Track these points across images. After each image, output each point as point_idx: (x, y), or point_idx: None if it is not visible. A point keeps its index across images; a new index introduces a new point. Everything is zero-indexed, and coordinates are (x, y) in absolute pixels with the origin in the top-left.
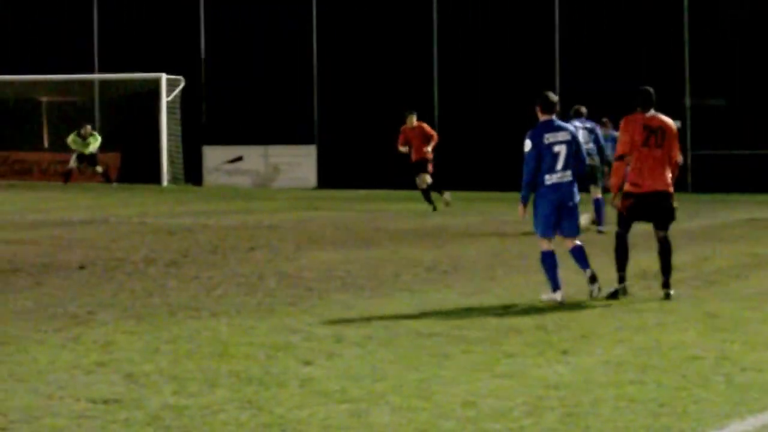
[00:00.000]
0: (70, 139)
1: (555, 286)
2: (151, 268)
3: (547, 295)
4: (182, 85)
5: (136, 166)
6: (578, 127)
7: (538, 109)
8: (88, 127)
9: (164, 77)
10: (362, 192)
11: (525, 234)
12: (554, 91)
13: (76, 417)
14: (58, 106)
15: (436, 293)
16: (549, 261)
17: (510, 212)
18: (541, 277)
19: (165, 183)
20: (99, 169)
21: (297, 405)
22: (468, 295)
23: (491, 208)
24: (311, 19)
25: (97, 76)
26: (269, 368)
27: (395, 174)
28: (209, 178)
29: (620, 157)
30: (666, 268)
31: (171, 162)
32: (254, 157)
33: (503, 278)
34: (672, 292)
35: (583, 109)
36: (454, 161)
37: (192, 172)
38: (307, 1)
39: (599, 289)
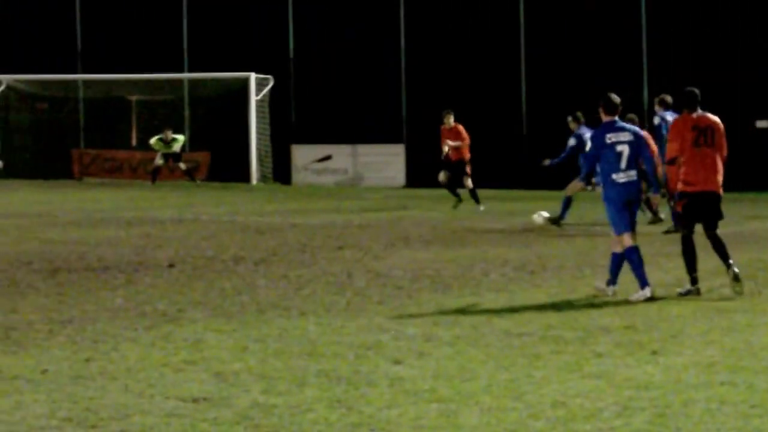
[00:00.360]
0: (153, 141)
1: (643, 283)
2: (241, 267)
3: (637, 294)
4: (271, 84)
5: (225, 164)
6: (670, 122)
7: (601, 110)
8: (169, 132)
9: (253, 76)
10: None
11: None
12: (643, 92)
13: (165, 415)
14: (147, 105)
15: (524, 293)
16: (634, 257)
17: (597, 211)
18: (630, 276)
19: (254, 182)
20: (182, 165)
21: (386, 404)
22: (556, 294)
23: (578, 208)
24: (399, 17)
25: (186, 75)
26: (358, 367)
27: (483, 173)
28: (298, 176)
29: (671, 161)
30: (724, 255)
31: (260, 161)
32: (343, 155)
33: (591, 278)
34: (737, 270)
35: (669, 98)
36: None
37: (281, 170)
38: None
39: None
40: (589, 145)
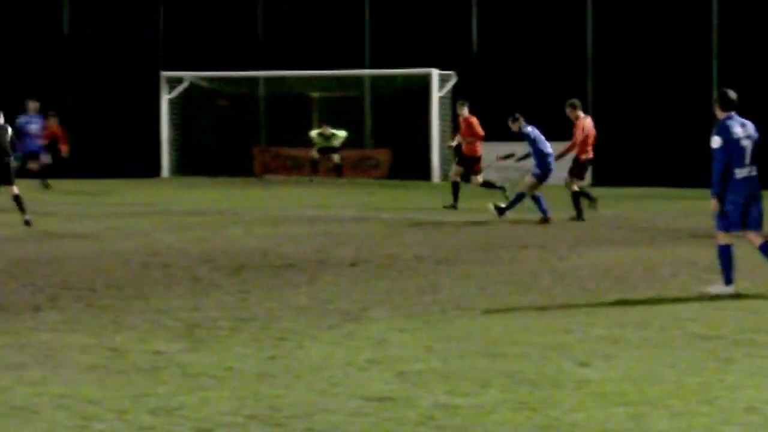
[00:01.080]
0: (314, 134)
1: (728, 280)
2: (422, 266)
3: (717, 288)
4: (454, 80)
5: (406, 162)
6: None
7: (716, 107)
8: (328, 129)
9: (435, 72)
10: (637, 189)
11: None
12: None
13: (349, 414)
14: (328, 102)
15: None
16: (727, 254)
17: None
18: None
19: (436, 180)
20: (335, 157)
21: (573, 407)
22: (749, 296)
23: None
24: (586, 10)
25: (367, 72)
26: (543, 369)
27: (670, 171)
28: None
29: None
30: None
31: (442, 159)
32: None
33: None
34: None
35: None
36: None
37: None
38: None
39: None
40: (718, 142)
